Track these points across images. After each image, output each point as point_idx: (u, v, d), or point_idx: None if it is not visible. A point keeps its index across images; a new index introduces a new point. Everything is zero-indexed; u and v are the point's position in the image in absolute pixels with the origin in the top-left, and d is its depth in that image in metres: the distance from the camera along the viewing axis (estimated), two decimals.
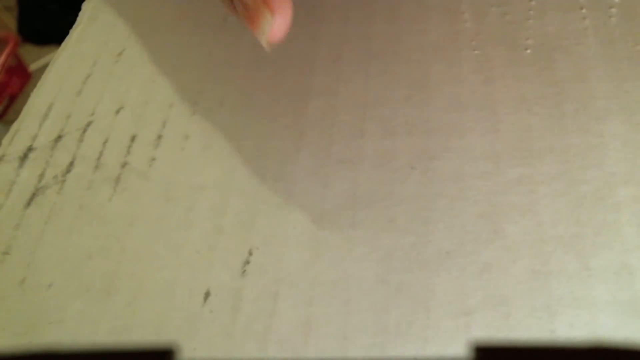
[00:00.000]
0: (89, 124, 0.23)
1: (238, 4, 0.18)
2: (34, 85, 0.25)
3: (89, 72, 0.25)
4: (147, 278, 0.18)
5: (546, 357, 0.10)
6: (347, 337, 0.16)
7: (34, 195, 0.21)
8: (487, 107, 0.20)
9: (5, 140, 0.23)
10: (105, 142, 0.22)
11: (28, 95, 0.25)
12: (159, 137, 0.22)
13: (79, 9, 0.28)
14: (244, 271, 0.18)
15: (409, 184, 0.19)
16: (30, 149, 0.22)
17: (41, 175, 0.21)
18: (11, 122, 0.24)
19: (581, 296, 0.16)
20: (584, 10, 0.22)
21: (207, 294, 0.18)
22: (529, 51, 0.22)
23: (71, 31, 0.27)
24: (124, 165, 0.21)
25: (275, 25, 0.17)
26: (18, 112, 0.24)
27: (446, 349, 0.16)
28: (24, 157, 0.22)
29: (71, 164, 0.22)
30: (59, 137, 0.22)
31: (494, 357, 0.10)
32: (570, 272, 0.16)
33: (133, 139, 0.22)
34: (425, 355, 0.16)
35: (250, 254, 0.18)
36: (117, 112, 0.23)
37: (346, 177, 0.19)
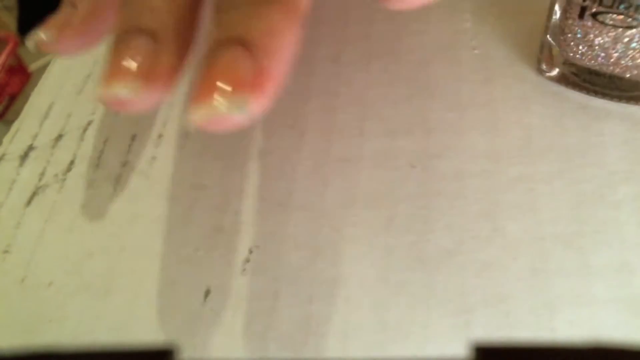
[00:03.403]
0: (89, 123, 0.23)
1: None
2: (35, 85, 0.25)
3: (90, 72, 0.25)
4: (147, 276, 0.18)
5: (546, 356, 0.10)
6: (347, 335, 0.16)
7: (34, 194, 0.21)
8: (487, 107, 0.20)
9: (6, 139, 0.23)
10: (105, 141, 0.22)
11: (28, 95, 0.25)
12: (160, 136, 0.22)
13: None
14: (244, 270, 0.18)
15: (409, 183, 0.19)
16: (31, 148, 0.22)
17: (42, 174, 0.21)
18: (11, 121, 0.24)
19: (581, 294, 0.16)
20: None
21: (207, 292, 0.18)
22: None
23: None
24: (124, 164, 0.21)
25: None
26: (18, 112, 0.24)
27: (446, 347, 0.16)
28: (24, 156, 0.22)
29: (72, 163, 0.22)
30: (60, 136, 0.22)
31: (494, 356, 0.10)
32: (570, 270, 0.16)
33: (133, 138, 0.22)
34: (426, 354, 0.16)
35: (251, 252, 0.18)
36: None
37: (346, 176, 0.19)
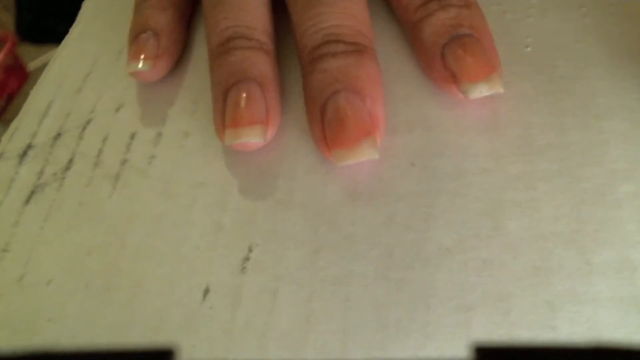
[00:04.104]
0: (88, 121, 0.23)
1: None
2: (33, 84, 0.25)
3: (89, 71, 0.24)
4: (146, 275, 0.18)
5: (547, 357, 0.10)
6: (347, 333, 0.16)
7: (33, 193, 0.21)
8: (487, 105, 0.20)
9: (4, 138, 0.23)
10: (104, 140, 0.22)
11: (27, 94, 0.24)
12: (159, 134, 0.22)
13: (79, 8, 0.28)
14: (244, 268, 0.18)
15: (409, 181, 0.19)
16: (29, 146, 0.22)
17: (40, 173, 0.21)
18: (9, 121, 0.24)
19: (582, 292, 0.16)
20: (584, 9, 0.22)
21: (206, 291, 0.18)
22: (529, 49, 0.22)
23: (71, 29, 0.27)
24: (123, 162, 0.21)
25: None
26: (16, 112, 0.24)
27: (447, 345, 0.16)
28: (23, 155, 0.22)
29: (70, 161, 0.21)
30: (59, 135, 0.22)
31: (495, 356, 0.10)
32: (571, 268, 0.16)
33: (133, 136, 0.22)
34: (426, 353, 0.16)
35: (250, 250, 0.18)
36: (117, 109, 0.23)
37: (346, 174, 0.19)
